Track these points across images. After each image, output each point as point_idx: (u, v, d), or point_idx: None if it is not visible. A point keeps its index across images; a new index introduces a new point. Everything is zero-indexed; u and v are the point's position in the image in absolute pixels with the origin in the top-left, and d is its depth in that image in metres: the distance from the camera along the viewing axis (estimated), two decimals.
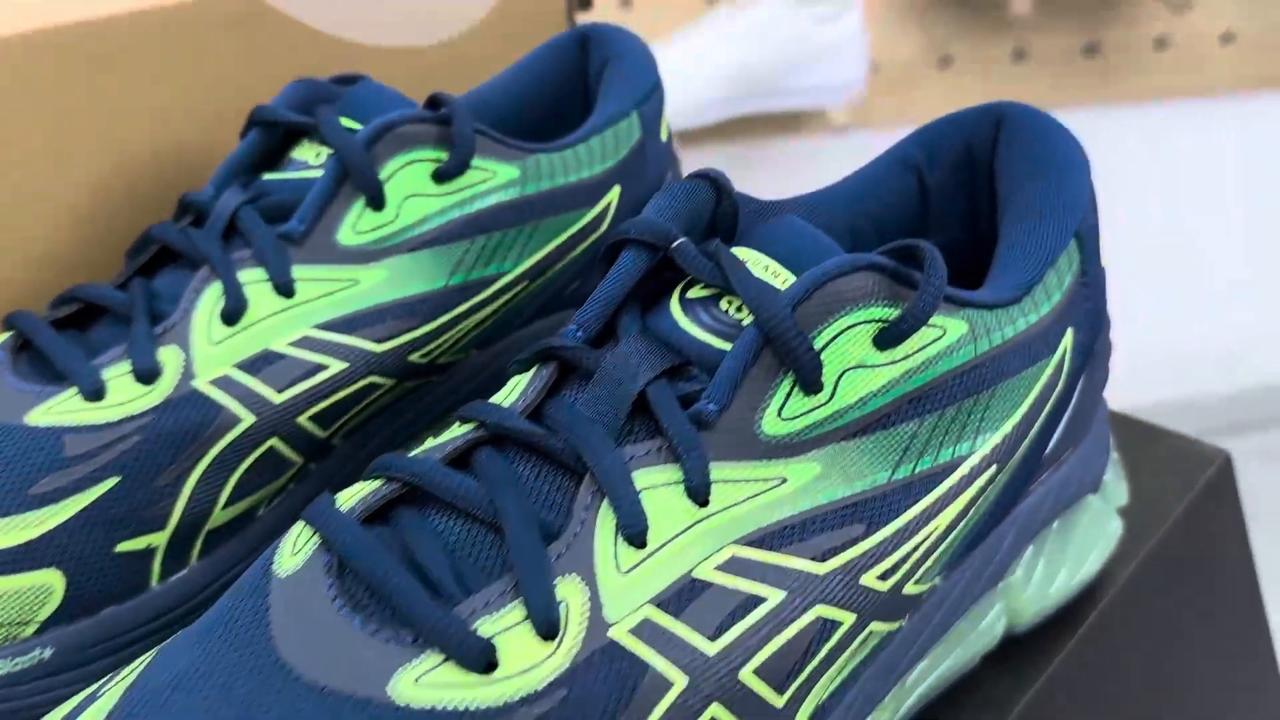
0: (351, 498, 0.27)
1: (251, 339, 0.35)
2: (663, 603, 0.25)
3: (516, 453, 0.27)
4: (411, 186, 0.37)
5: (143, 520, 0.33)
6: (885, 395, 0.28)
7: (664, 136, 0.43)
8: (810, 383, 0.27)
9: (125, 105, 0.41)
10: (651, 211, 0.30)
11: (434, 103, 0.38)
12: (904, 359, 0.28)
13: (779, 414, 0.27)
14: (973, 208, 0.36)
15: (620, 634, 0.25)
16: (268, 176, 0.38)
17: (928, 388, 0.29)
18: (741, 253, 0.29)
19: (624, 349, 0.28)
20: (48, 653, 0.32)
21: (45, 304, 0.38)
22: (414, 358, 0.37)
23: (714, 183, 0.31)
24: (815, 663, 0.27)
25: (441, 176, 0.37)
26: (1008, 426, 0.30)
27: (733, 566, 0.26)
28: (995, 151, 0.35)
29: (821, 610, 0.27)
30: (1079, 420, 0.34)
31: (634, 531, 0.25)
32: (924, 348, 0.28)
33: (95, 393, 0.33)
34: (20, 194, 0.40)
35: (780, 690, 0.27)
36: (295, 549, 0.26)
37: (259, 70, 0.44)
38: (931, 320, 0.28)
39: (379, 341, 0.36)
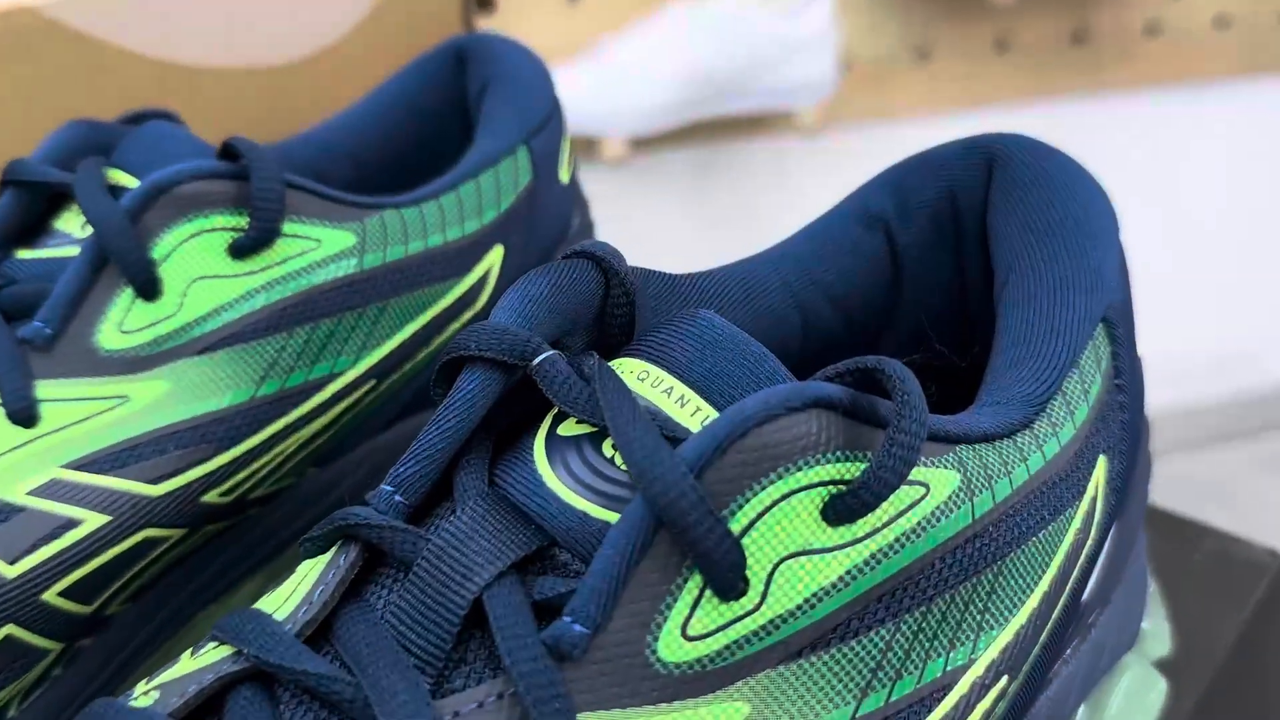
0: None
1: None
2: None
3: (290, 696, 0.18)
4: (200, 266, 0.27)
5: None
6: (843, 593, 0.19)
7: (564, 178, 0.34)
8: (726, 587, 0.18)
9: None
10: (506, 310, 0.21)
11: (228, 151, 0.28)
12: (868, 537, 0.19)
13: (682, 632, 0.18)
14: (959, 278, 0.27)
15: None
16: (21, 255, 0.28)
17: (905, 576, 0.19)
18: (632, 367, 0.20)
19: (458, 525, 0.19)
20: None
21: None
22: (210, 497, 0.27)
23: (598, 262, 0.22)
24: None
25: (241, 250, 0.27)
26: (1022, 616, 0.21)
27: None
28: (988, 201, 0.26)
29: None
30: (1111, 573, 0.25)
31: None
32: (897, 517, 0.19)
33: None
34: None
35: None
36: None
37: (53, 102, 0.35)
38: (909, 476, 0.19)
39: (155, 482, 0.26)
